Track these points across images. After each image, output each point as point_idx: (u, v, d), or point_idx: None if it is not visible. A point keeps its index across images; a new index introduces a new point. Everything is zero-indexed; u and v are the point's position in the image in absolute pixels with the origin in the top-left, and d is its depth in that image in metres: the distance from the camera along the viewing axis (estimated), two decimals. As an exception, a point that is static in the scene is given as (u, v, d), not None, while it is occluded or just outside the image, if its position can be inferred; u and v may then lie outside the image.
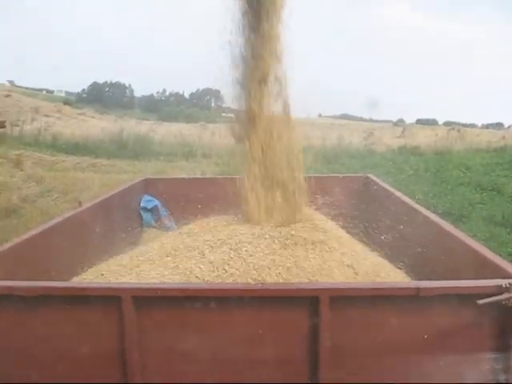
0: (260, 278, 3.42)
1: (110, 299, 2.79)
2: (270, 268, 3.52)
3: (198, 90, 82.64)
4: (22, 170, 17.88)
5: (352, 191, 6.48)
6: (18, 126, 25.81)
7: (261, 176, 4.37)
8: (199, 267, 3.55)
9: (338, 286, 3.18)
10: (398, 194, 5.47)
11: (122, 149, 23.96)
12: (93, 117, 44.68)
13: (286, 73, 4.38)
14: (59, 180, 16.47)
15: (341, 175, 7.28)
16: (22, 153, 20.13)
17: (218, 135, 26.17)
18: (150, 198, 6.12)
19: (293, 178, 4.36)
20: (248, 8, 4.31)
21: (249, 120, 4.38)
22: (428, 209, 4.81)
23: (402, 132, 34.60)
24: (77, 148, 23.84)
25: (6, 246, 3.53)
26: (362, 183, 6.70)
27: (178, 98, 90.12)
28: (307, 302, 2.80)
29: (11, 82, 78.08)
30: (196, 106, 74.32)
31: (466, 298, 2.75)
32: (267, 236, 3.90)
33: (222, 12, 4.36)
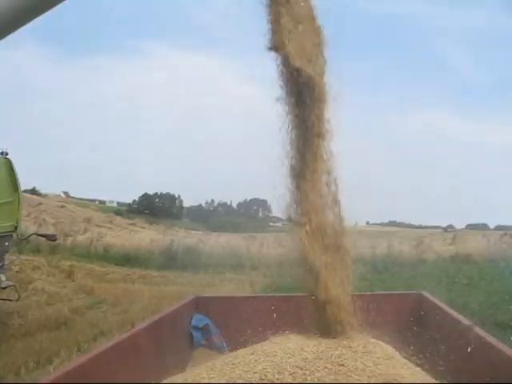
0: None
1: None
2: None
3: (246, 199, 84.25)
4: (73, 281, 18.18)
5: (404, 310, 6.26)
6: (71, 236, 26.64)
7: (313, 292, 4.31)
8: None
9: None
10: (454, 313, 5.25)
11: (171, 260, 24.28)
12: (143, 227, 45.75)
13: (336, 181, 4.42)
14: (109, 292, 16.63)
15: (392, 293, 7.09)
16: (74, 263, 20.58)
17: (265, 246, 26.29)
18: (200, 316, 6.06)
19: (343, 295, 4.29)
20: (298, 122, 4.45)
21: (300, 230, 4.36)
22: (484, 323, 4.60)
23: (453, 239, 33.99)
24: (127, 259, 24.28)
25: (53, 375, 3.46)
26: (415, 301, 6.48)
27: (225, 207, 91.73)
28: None
29: (66, 193, 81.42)
30: (244, 215, 75.39)
31: None
32: (319, 358, 3.79)
33: (271, 125, 4.51)
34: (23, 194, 11.76)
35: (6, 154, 10.98)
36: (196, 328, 5.97)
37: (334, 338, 4.18)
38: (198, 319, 6.04)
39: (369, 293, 6.47)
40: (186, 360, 5.49)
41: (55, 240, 16.76)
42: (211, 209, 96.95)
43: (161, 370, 4.43)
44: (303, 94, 4.38)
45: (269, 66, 4.54)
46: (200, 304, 6.22)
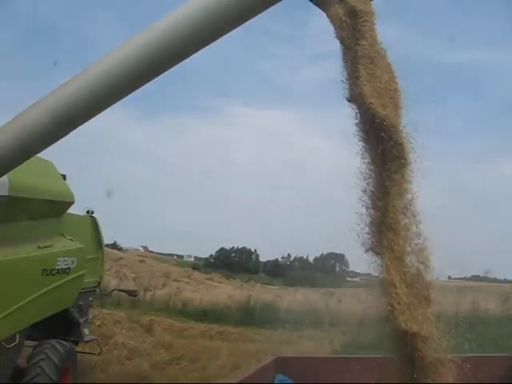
0: None
1: None
2: None
3: (322, 254, 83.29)
4: (152, 336, 18.35)
5: (496, 375, 5.86)
6: (150, 291, 27.06)
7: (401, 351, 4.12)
8: None
9: None
10: None
11: (248, 316, 24.19)
12: (220, 281, 45.90)
13: (422, 235, 4.28)
14: (188, 347, 16.66)
15: (483, 355, 6.67)
16: (153, 318, 20.79)
17: (343, 301, 25.71)
18: (283, 377, 5.89)
19: (436, 358, 4.07)
20: (379, 175, 4.36)
21: (383, 286, 4.21)
22: None
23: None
24: (205, 314, 24.35)
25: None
26: (508, 365, 6.05)
27: (302, 262, 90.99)
28: None
29: (145, 248, 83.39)
30: (320, 270, 74.45)
31: None
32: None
33: (350, 179, 4.44)
34: (105, 248, 12.10)
35: (92, 212, 11.41)
36: (279, 389, 5.80)
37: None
38: (281, 380, 5.87)
39: (460, 355, 6.12)
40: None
41: (136, 296, 17.07)
42: (288, 263, 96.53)
43: None
44: (384, 144, 4.32)
45: (344, 120, 4.54)
46: (281, 364, 6.05)
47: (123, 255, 44.79)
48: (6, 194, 7.73)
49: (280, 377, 5.92)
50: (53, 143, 4.86)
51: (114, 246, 52.80)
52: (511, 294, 31.27)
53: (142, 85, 4.21)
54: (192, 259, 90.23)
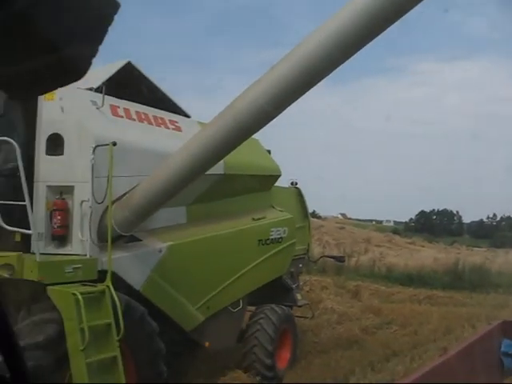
0: None
1: None
2: None
3: (532, 212, 76.94)
4: (360, 301, 18.62)
5: None
6: (353, 257, 27.37)
7: None
8: None
9: None
10: None
11: (457, 280, 23.38)
12: (422, 245, 44.80)
13: None
14: (396, 312, 16.62)
15: None
16: (359, 284, 21.05)
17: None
18: (510, 342, 5.68)
19: None
20: None
21: None
22: None
23: None
24: (410, 279, 24.04)
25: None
26: None
27: (509, 222, 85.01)
28: None
29: (343, 215, 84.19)
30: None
31: None
32: None
33: None
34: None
35: (296, 183, 11.87)
36: (506, 354, 5.60)
37: None
38: (508, 345, 5.66)
39: None
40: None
41: (343, 261, 17.46)
42: (494, 224, 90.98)
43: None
44: None
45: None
46: (508, 329, 5.82)
47: (323, 223, 45.72)
48: (222, 172, 8.42)
49: (507, 342, 5.72)
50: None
51: (314, 214, 54.10)
52: None
53: None
54: (391, 224, 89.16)
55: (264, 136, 9.57)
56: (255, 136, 7.46)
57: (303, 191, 11.97)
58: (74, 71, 0.99)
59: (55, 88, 1.05)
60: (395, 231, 61.32)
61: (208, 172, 6.91)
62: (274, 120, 5.45)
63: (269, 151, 10.67)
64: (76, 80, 1.01)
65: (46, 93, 1.13)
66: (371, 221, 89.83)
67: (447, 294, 20.77)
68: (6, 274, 6.10)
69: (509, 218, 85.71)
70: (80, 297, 5.89)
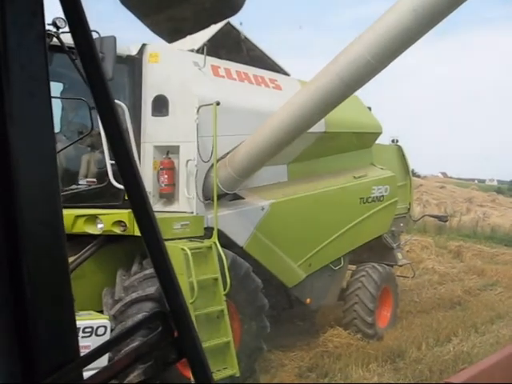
0: None
1: None
2: None
3: None
4: (462, 262, 18.12)
5: None
6: (455, 216, 26.54)
7: None
8: None
9: None
10: None
11: None
12: (528, 205, 42.62)
13: None
14: (501, 273, 16.06)
15: None
16: (461, 244, 20.43)
17: None
18: None
19: None
20: None
21: None
22: None
23: None
24: (516, 240, 23.06)
25: (497, 355, 3.48)
26: None
27: None
28: None
29: (444, 174, 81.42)
30: None
31: None
32: None
33: None
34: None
35: (397, 141, 11.59)
36: None
37: None
38: None
39: None
40: None
41: (447, 221, 17.02)
42: None
43: None
44: None
45: None
46: None
47: (423, 182, 44.40)
48: (324, 130, 8.36)
49: None
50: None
51: (413, 173, 52.57)
52: None
53: None
54: (495, 183, 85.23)
55: (365, 93, 9.38)
56: (356, 93, 7.32)
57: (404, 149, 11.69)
58: (230, 6, 1.01)
59: (214, 23, 1.07)
60: (499, 190, 58.59)
61: (309, 130, 6.89)
62: (375, 77, 5.34)
63: (369, 108, 10.45)
64: (233, 15, 1.03)
65: (203, 28, 1.15)
66: (473, 180, 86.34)
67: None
68: (118, 231, 6.42)
69: None
70: (189, 252, 6.13)
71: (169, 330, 0.92)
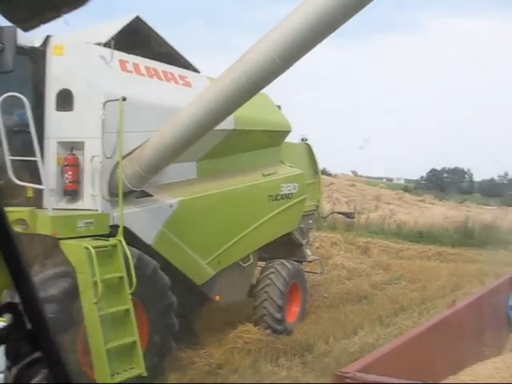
0: None
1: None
2: None
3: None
4: (369, 257, 18.76)
5: None
6: (363, 214, 27.41)
7: None
8: None
9: None
10: None
11: (467, 237, 23.46)
12: (432, 203, 44.70)
13: None
14: (406, 268, 16.76)
15: None
16: (369, 240, 21.15)
17: None
18: (518, 296, 5.72)
19: None
20: None
21: None
22: None
23: None
24: (420, 236, 24.15)
25: (391, 345, 3.63)
26: None
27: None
28: None
29: (354, 172, 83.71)
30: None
31: None
32: None
33: None
34: (319, 173, 12.48)
35: (306, 139, 11.81)
36: (512, 308, 5.66)
37: None
38: (515, 299, 5.71)
39: None
40: (503, 343, 5.25)
41: (353, 218, 17.53)
42: (505, 182, 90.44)
43: (478, 352, 4.32)
44: None
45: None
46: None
47: (333, 180, 45.54)
48: (233, 127, 8.39)
49: (514, 295, 5.77)
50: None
51: (324, 172, 53.79)
52: None
53: None
54: (402, 182, 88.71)
55: (273, 91, 9.50)
56: (265, 91, 7.40)
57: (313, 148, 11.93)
58: None
59: (59, 16, 1.02)
60: (406, 189, 61.10)
61: (218, 127, 6.90)
62: (284, 74, 5.41)
63: (279, 107, 10.59)
64: (80, 6, 0.99)
65: (50, 20, 1.10)
66: (382, 178, 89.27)
67: (456, 251, 20.88)
68: (19, 229, 6.15)
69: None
70: (92, 250, 5.97)
71: (21, 323, 0.88)
